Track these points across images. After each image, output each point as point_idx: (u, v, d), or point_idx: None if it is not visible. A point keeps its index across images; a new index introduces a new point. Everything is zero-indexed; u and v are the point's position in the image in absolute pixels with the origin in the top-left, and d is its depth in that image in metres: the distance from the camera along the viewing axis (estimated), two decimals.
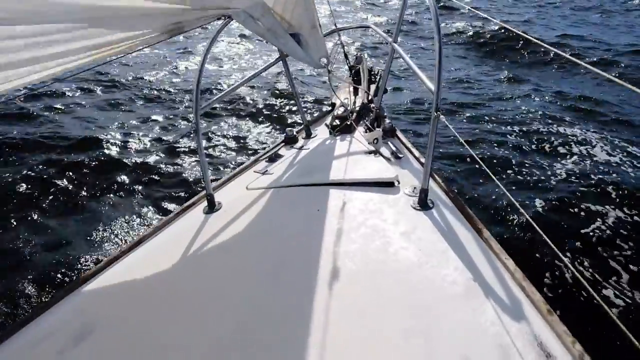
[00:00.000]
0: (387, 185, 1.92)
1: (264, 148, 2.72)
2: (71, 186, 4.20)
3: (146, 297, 1.57)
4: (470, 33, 8.77)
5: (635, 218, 3.36)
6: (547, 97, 5.76)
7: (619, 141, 4.57)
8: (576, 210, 3.47)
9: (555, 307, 1.25)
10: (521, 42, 7.47)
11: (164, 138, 5.18)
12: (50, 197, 4.01)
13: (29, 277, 3.08)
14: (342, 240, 1.61)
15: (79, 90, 6.61)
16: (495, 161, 4.30)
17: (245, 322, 1.36)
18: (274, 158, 2.50)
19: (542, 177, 4.01)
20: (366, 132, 2.52)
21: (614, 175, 4.01)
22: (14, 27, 1.09)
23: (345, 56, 3.42)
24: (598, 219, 3.34)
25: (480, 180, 3.75)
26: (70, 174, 4.34)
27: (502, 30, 7.98)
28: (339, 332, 1.25)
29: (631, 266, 2.91)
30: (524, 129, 5.03)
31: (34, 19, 1.13)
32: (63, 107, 6.02)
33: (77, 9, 1.23)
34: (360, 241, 1.59)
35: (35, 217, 3.72)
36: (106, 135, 5.20)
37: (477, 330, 1.19)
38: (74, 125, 5.54)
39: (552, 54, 6.81)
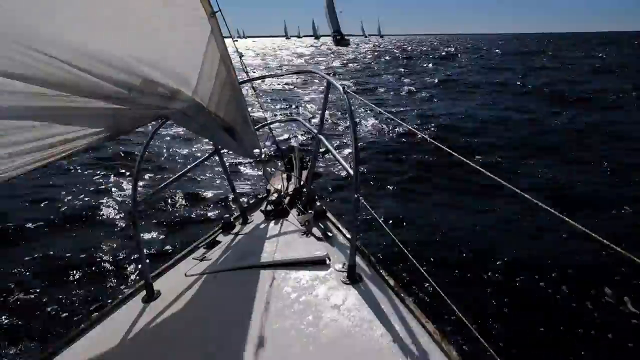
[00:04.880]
0: (319, 263, 2.04)
1: (202, 235, 2.77)
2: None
3: None
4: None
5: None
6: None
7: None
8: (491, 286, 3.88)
9: None
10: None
11: (103, 228, 5.09)
12: None
13: None
14: (276, 318, 1.68)
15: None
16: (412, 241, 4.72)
17: None
18: (212, 244, 2.55)
19: (452, 251, 4.46)
20: (299, 215, 2.67)
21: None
22: None
23: (277, 146, 3.69)
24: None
25: (401, 255, 4.04)
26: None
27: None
28: None
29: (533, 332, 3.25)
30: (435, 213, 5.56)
31: None
32: None
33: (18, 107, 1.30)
34: (294, 317, 1.67)
35: None
36: (44, 227, 5.08)
37: None
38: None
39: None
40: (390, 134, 9.42)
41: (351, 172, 1.78)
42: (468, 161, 1.57)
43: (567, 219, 1.05)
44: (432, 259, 4.27)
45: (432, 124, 10.36)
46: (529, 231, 4.90)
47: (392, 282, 1.84)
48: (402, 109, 12.58)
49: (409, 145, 8.52)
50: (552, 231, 4.77)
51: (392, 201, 5.88)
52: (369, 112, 11.15)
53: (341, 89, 2.01)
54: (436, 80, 19.53)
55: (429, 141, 2.00)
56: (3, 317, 3.50)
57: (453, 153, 1.61)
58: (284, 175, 3.38)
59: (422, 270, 1.59)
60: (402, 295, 1.74)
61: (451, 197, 6.00)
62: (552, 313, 3.46)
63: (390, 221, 5.12)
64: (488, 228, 5.04)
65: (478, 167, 1.46)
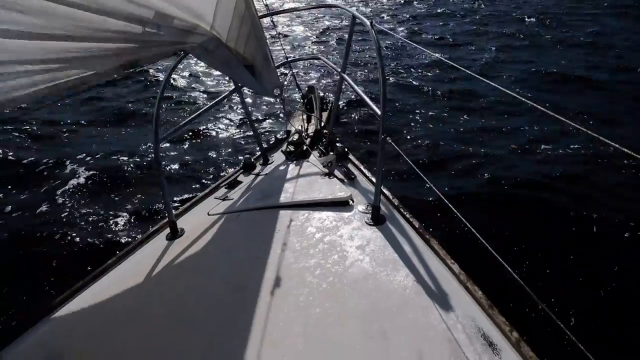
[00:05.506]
0: (342, 204, 2.04)
1: (223, 175, 2.78)
2: (31, 213, 4.15)
3: (113, 324, 1.58)
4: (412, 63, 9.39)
5: (578, 224, 3.72)
6: (490, 118, 6.25)
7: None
8: (515, 217, 3.83)
9: (495, 302, 1.40)
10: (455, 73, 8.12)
11: (127, 167, 5.16)
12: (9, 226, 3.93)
13: None
14: (301, 257, 1.70)
15: (29, 122, 6.47)
16: (441, 174, 4.66)
17: (213, 340, 1.41)
18: (233, 184, 2.57)
19: (483, 188, 4.37)
20: (320, 156, 2.65)
21: (549, 182, 4.40)
22: None
23: (298, 86, 3.58)
24: (536, 227, 3.69)
25: (429, 196, 4.03)
26: (29, 200, 4.28)
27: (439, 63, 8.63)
28: (303, 340, 1.33)
29: (563, 264, 3.25)
30: (464, 146, 5.43)
31: None
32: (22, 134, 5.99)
33: (28, 48, 1.26)
34: (319, 256, 1.69)
35: None
36: (68, 163, 5.18)
37: (428, 327, 1.31)
38: (33, 151, 5.53)
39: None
40: (420, 69, 8.94)
41: (378, 111, 1.73)
42: (508, 91, 1.49)
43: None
44: (463, 198, 4.15)
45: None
46: (583, 165, 4.74)
47: (416, 224, 1.83)
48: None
49: (442, 81, 8.09)
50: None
51: (420, 141, 5.69)
52: (400, 47, 10.57)
53: (368, 23, 1.89)
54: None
55: (468, 73, 1.89)
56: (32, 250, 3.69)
57: (494, 85, 1.52)
58: (304, 116, 3.32)
59: (454, 210, 1.55)
60: (427, 236, 1.74)
61: (486, 133, 5.79)
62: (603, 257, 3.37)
63: (419, 162, 4.98)
64: (528, 162, 4.88)
65: (519, 97, 1.39)
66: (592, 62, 8.63)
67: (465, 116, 6.43)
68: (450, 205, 1.63)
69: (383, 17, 15.33)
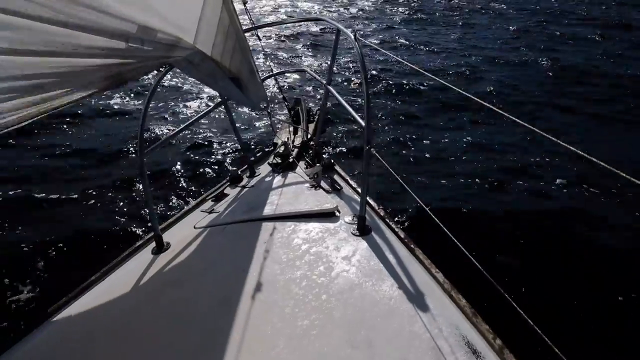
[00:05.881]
0: (328, 215, 2.04)
1: (210, 188, 2.78)
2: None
3: (98, 339, 1.56)
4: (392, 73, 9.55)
5: (564, 232, 3.81)
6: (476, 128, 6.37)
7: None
8: (499, 228, 3.91)
9: (479, 310, 1.42)
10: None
11: (111, 181, 5.10)
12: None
13: None
14: (287, 269, 1.70)
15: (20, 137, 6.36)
16: (424, 187, 4.73)
17: (198, 353, 1.40)
18: (219, 197, 2.57)
19: (468, 199, 4.44)
20: (307, 168, 2.66)
21: (532, 193, 4.51)
22: None
23: (284, 98, 3.61)
24: (519, 237, 3.77)
25: (413, 207, 4.08)
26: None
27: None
28: (288, 352, 1.33)
29: (546, 271, 3.33)
30: (450, 157, 5.52)
31: None
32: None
33: (10, 64, 1.25)
34: (305, 268, 1.69)
35: None
36: (50, 180, 5.10)
37: (413, 336, 1.31)
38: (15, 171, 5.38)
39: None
40: (404, 80, 9.07)
41: (362, 122, 1.75)
42: (494, 108, 1.53)
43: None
44: (446, 209, 4.25)
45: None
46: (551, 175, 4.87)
47: (402, 234, 1.85)
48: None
49: (424, 92, 8.25)
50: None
51: (403, 151, 5.81)
52: (383, 58, 10.73)
53: (351, 36, 1.93)
54: None
55: (449, 87, 1.93)
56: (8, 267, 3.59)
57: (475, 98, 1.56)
58: (291, 128, 3.34)
59: (437, 220, 1.58)
60: (412, 246, 1.76)
61: (469, 143, 5.93)
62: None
63: (403, 173, 5.05)
64: (507, 175, 5.00)
65: (501, 111, 1.42)
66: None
67: (451, 127, 6.56)
68: (433, 216, 1.65)
69: (368, 22, 15.55)
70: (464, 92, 1.73)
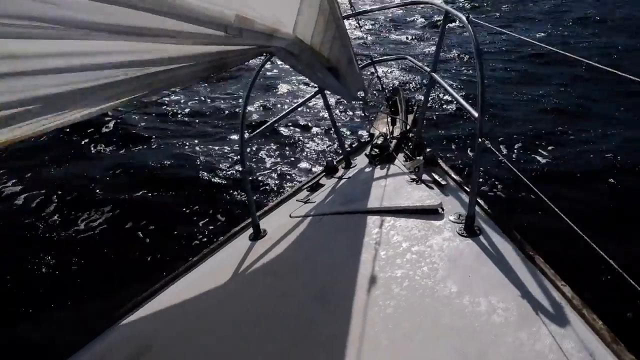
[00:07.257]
0: (430, 212, 1.91)
1: (306, 177, 2.78)
2: (118, 214, 4.40)
3: (198, 320, 1.63)
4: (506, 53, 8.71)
5: None
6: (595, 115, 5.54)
7: None
8: None
9: (621, 336, 1.17)
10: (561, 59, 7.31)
11: (212, 167, 5.36)
12: (97, 225, 4.22)
13: (81, 303, 3.24)
14: (387, 267, 1.61)
15: (124, 124, 6.87)
16: (546, 185, 4.15)
17: (293, 344, 1.38)
18: (315, 187, 2.55)
19: (600, 195, 3.83)
20: (406, 161, 2.52)
21: None
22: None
23: (382, 88, 3.48)
24: None
25: (531, 206, 3.62)
26: (118, 203, 4.56)
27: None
28: (392, 354, 1.24)
29: None
30: (574, 149, 4.85)
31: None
32: (115, 139, 6.35)
33: (122, 44, 1.30)
34: (407, 267, 1.58)
35: (85, 245, 3.92)
36: (154, 165, 5.40)
37: (536, 356, 1.14)
38: (120, 156, 5.86)
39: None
40: (523, 64, 8.20)
41: (475, 113, 1.59)
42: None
43: None
44: (581, 211, 3.69)
45: None
46: None
47: (518, 237, 1.65)
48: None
49: (549, 77, 7.39)
50: None
51: (522, 144, 5.23)
52: (499, 42, 9.84)
53: (464, 18, 1.75)
54: None
55: (584, 62, 1.57)
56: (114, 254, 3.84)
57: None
58: (389, 119, 3.21)
59: (569, 222, 1.32)
60: (530, 253, 1.54)
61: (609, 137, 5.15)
62: None
63: (521, 166, 4.53)
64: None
65: None
66: None
67: (581, 114, 5.75)
68: (564, 216, 1.37)
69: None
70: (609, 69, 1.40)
